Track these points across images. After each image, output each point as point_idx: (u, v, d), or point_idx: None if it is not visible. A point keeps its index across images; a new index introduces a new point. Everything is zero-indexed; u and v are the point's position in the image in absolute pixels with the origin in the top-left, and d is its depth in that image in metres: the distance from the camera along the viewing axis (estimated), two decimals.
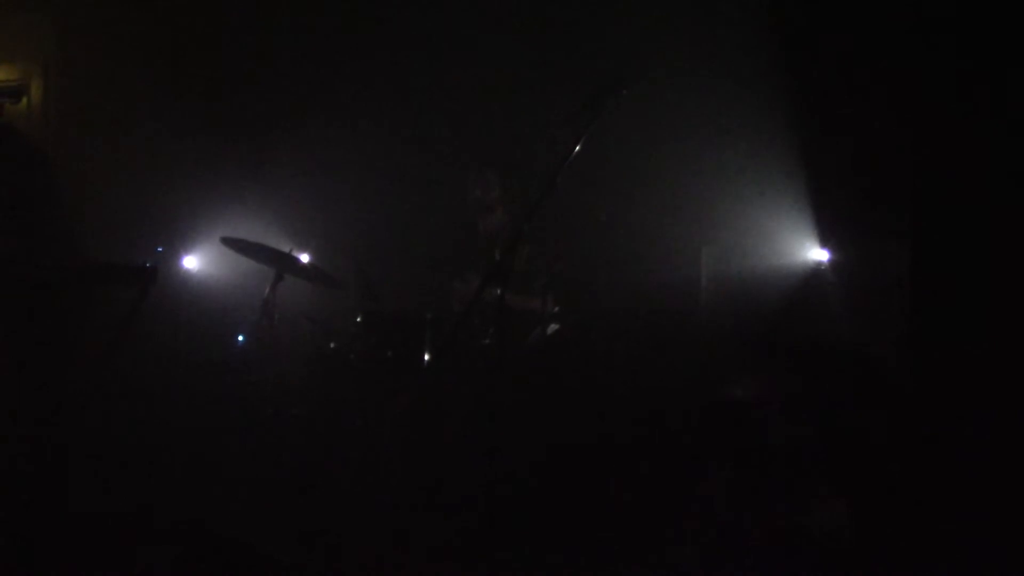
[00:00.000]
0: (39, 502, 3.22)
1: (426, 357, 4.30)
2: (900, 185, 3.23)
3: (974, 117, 2.92)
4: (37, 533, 3.13)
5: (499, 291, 3.52)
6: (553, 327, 4.54)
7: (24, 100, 6.02)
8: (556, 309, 4.55)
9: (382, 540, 3.37)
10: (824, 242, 4.17)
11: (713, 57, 4.34)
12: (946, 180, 2.89)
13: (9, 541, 3.09)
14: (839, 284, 4.07)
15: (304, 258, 4.70)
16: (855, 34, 3.00)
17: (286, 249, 4.49)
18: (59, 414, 3.42)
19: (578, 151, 3.27)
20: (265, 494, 3.60)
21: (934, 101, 2.93)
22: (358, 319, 4.48)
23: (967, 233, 2.91)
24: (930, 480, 2.89)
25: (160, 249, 5.13)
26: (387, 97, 5.41)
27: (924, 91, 2.98)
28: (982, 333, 2.86)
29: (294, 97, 5.60)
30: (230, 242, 4.54)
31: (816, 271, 4.17)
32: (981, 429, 2.77)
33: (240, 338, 4.70)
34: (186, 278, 5.31)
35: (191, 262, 5.38)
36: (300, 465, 3.86)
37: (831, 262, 4.13)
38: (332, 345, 4.49)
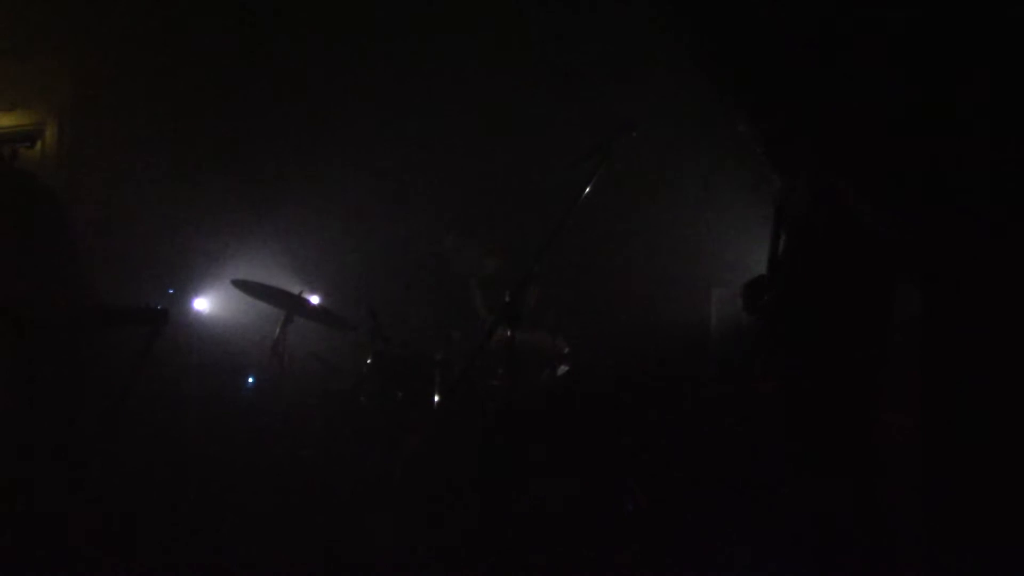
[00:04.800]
0: (48, 539, 3.20)
1: (436, 398, 4.29)
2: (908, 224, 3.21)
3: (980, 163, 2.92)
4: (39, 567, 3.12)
5: (509, 332, 3.53)
6: (563, 368, 4.54)
7: (39, 145, 6.08)
8: (566, 350, 4.55)
9: None
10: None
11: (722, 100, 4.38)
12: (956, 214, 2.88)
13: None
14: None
15: (314, 300, 4.71)
16: (864, 74, 3.02)
17: (296, 291, 4.51)
18: (72, 454, 3.42)
19: (588, 193, 3.29)
20: (275, 535, 3.57)
21: (943, 131, 2.93)
22: (368, 360, 4.48)
23: (977, 266, 2.90)
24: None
25: (171, 291, 5.15)
26: (398, 139, 5.46)
27: (931, 122, 2.98)
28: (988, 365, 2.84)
29: (305, 140, 5.66)
30: (240, 284, 4.56)
31: None
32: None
33: (250, 379, 4.70)
34: (197, 320, 5.32)
35: (202, 304, 5.39)
36: (310, 506, 3.84)
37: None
38: (343, 387, 4.49)
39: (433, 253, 5.09)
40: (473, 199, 5.30)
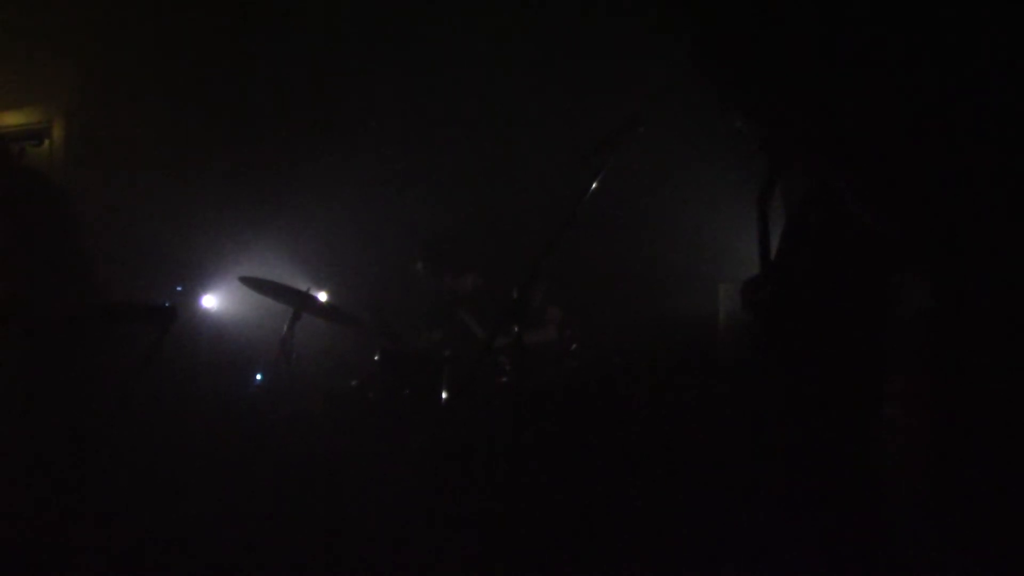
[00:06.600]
0: (50, 539, 3.21)
1: (444, 395, 4.29)
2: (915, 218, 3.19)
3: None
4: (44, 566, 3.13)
5: (516, 328, 3.52)
6: (571, 364, 4.53)
7: (46, 143, 6.10)
8: (574, 346, 4.54)
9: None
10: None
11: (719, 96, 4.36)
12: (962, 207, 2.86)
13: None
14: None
15: (322, 297, 4.71)
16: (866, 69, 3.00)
17: (304, 288, 4.51)
18: (79, 451, 3.43)
19: (595, 188, 3.28)
20: (281, 532, 3.58)
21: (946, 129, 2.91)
22: (376, 357, 4.48)
23: (989, 261, 2.88)
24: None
25: (179, 288, 5.16)
26: (404, 137, 5.46)
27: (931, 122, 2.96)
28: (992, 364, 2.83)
29: (312, 136, 5.66)
30: (248, 281, 4.56)
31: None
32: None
33: (258, 376, 4.71)
34: (205, 317, 5.33)
35: (210, 301, 5.40)
36: (316, 502, 3.84)
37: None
38: (351, 383, 4.49)
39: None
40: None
